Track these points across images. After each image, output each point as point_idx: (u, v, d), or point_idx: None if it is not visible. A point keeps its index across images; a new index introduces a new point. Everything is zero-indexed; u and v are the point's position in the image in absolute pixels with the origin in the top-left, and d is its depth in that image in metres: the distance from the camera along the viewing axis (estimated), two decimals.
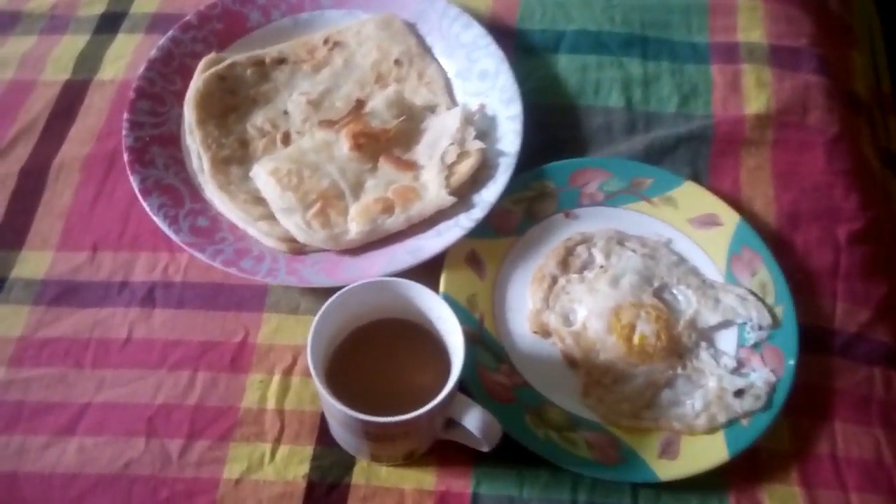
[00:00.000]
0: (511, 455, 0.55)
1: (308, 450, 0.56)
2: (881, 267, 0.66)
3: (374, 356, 0.55)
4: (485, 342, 0.59)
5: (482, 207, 0.63)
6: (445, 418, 0.52)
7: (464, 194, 0.64)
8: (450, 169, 0.63)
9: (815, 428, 0.57)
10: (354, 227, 0.60)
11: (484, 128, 0.68)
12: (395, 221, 0.61)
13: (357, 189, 0.62)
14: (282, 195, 0.61)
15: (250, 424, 0.57)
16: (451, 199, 0.62)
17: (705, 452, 0.54)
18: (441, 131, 0.66)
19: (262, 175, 0.62)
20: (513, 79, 0.69)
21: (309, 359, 0.49)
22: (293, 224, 0.60)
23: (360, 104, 0.67)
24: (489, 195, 0.63)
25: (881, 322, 0.62)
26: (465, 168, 0.64)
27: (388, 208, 0.61)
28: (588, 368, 0.59)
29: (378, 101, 0.67)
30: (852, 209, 0.68)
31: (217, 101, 0.68)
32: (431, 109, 0.69)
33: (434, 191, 0.62)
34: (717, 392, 0.57)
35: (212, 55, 0.70)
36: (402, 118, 0.66)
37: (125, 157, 0.64)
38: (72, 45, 0.77)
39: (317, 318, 0.50)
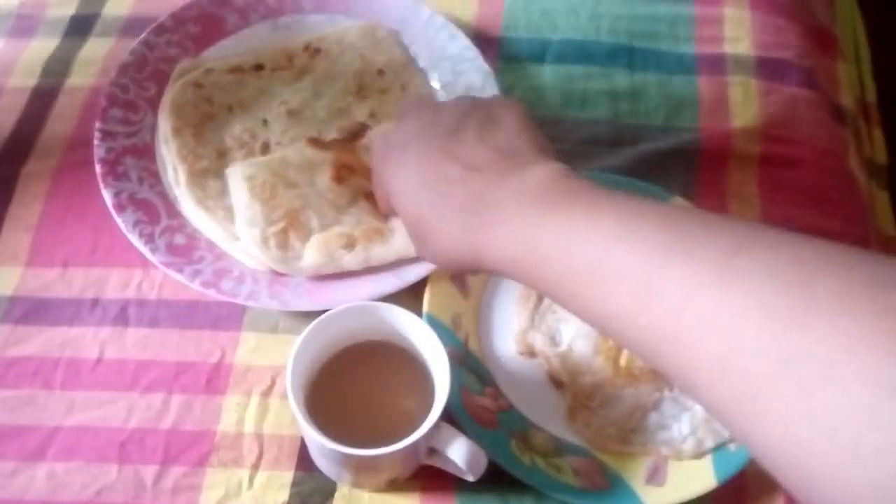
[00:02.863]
0: (495, 481, 0.54)
1: (288, 475, 0.54)
2: None
3: (357, 380, 0.54)
4: (469, 364, 0.58)
5: None
6: (429, 446, 0.51)
7: None
8: None
9: None
10: (309, 255, 0.58)
11: None
12: (352, 260, 0.59)
13: (326, 220, 0.60)
14: (249, 204, 0.59)
15: (227, 449, 0.55)
16: (413, 252, 0.59)
17: (693, 479, 0.54)
18: None
19: (237, 178, 0.60)
20: (499, 93, 0.67)
21: (289, 388, 0.47)
22: (250, 235, 0.58)
23: (360, 130, 0.65)
24: None
25: None
26: None
27: (350, 245, 0.59)
28: (574, 391, 0.58)
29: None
30: (839, 224, 0.67)
31: (193, 109, 0.66)
32: None
33: (401, 238, 0.59)
34: (705, 415, 0.56)
35: (187, 61, 0.68)
36: None
37: (97, 169, 0.61)
38: (41, 48, 0.74)
39: (296, 344, 0.49)
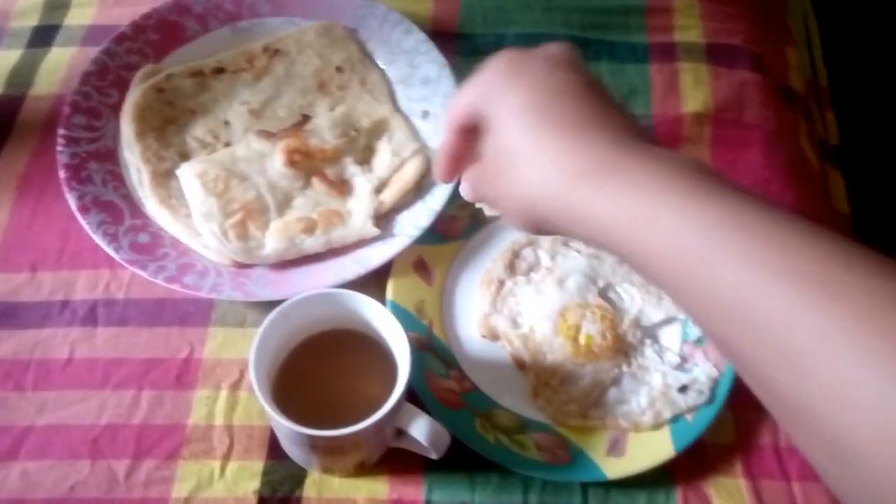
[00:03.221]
0: (462, 460, 0.55)
1: (258, 465, 0.56)
2: None
3: (323, 368, 0.55)
4: (434, 348, 0.60)
5: (427, 214, 0.63)
6: (395, 428, 0.52)
7: (408, 201, 0.64)
8: (386, 183, 0.63)
9: (758, 420, 0.58)
10: (271, 242, 0.60)
11: (428, 134, 0.68)
12: (313, 243, 0.60)
13: (284, 206, 0.62)
14: (204, 200, 0.60)
15: (198, 441, 0.56)
16: (374, 231, 0.61)
17: (651, 449, 0.55)
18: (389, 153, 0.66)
19: (188, 176, 0.61)
20: (455, 85, 0.69)
21: (252, 375, 0.49)
22: (209, 231, 0.59)
23: (303, 119, 0.67)
24: (434, 202, 0.64)
25: None
26: (408, 175, 0.64)
27: (309, 229, 0.60)
28: (537, 371, 0.59)
29: (323, 119, 0.67)
30: (790, 204, 0.69)
31: (155, 114, 0.67)
32: (384, 131, 0.67)
33: (360, 219, 0.61)
34: (662, 388, 0.58)
35: (148, 67, 0.69)
36: (343, 139, 0.65)
37: (61, 174, 0.62)
38: (4, 60, 0.75)
39: (259, 333, 0.50)
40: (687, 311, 0.37)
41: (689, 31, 0.78)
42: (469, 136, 0.46)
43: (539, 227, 0.41)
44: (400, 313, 0.60)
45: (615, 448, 0.56)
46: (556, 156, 0.39)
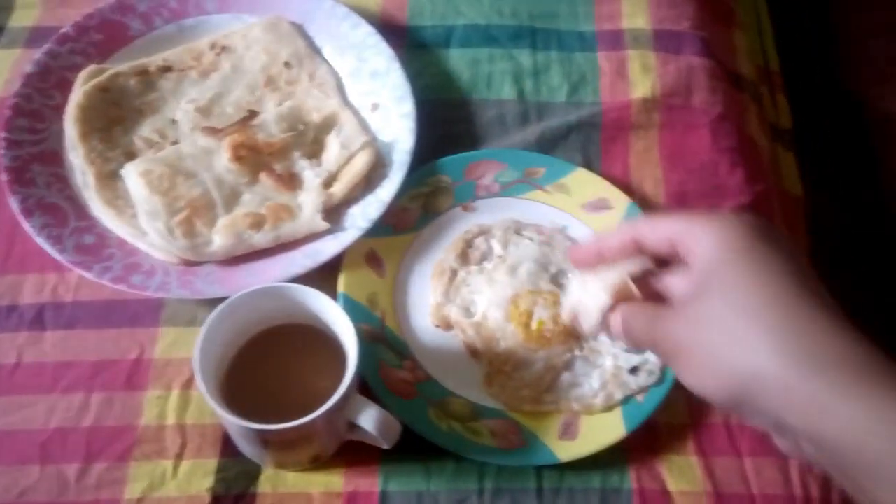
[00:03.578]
0: (418, 450, 0.55)
1: (212, 463, 0.55)
2: None
3: (273, 363, 0.55)
4: (387, 340, 0.60)
5: (378, 207, 0.63)
6: (347, 420, 0.52)
7: (358, 194, 0.64)
8: (335, 177, 0.63)
9: None
10: (218, 239, 0.59)
11: (377, 127, 0.68)
12: (262, 238, 0.60)
13: (231, 202, 0.61)
14: (148, 198, 0.59)
15: (150, 442, 0.56)
16: (323, 225, 0.61)
17: (603, 430, 0.56)
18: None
19: (132, 175, 0.61)
20: (404, 77, 0.69)
21: (197, 371, 0.48)
22: (154, 229, 0.58)
23: (250, 115, 0.66)
24: (384, 194, 0.64)
25: None
26: (357, 167, 0.64)
27: (258, 224, 0.60)
28: (490, 358, 0.59)
29: (270, 114, 0.66)
30: (738, 184, 0.70)
31: (100, 114, 0.66)
32: (333, 125, 0.67)
33: (309, 213, 0.61)
34: (613, 370, 0.58)
35: (92, 67, 0.68)
36: (290, 133, 0.65)
37: (3, 177, 0.61)
38: None
39: (203, 330, 0.49)
40: None
41: (637, 17, 0.79)
42: (632, 252, 0.44)
43: (739, 402, 0.38)
44: (352, 306, 0.60)
45: (568, 431, 0.56)
46: (792, 338, 0.36)
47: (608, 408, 0.57)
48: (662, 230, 0.43)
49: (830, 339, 0.36)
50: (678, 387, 0.58)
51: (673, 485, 0.56)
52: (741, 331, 0.37)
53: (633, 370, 0.58)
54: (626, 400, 0.57)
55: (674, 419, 0.58)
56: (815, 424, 0.35)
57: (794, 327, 0.37)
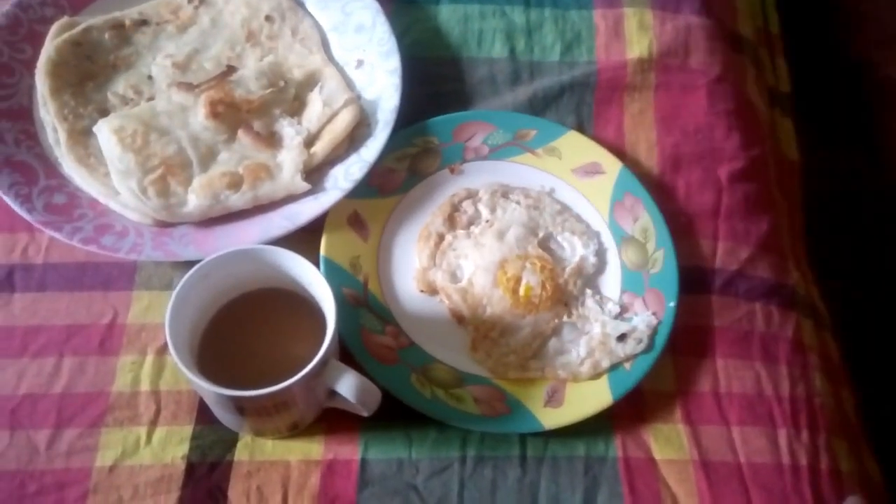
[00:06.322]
0: (399, 417, 0.54)
1: (187, 430, 0.54)
2: (763, 204, 0.67)
3: (250, 328, 0.53)
4: (369, 305, 0.58)
5: (361, 167, 0.61)
6: (326, 387, 0.50)
7: (341, 154, 0.62)
8: (317, 136, 0.61)
9: (698, 366, 0.58)
10: (193, 199, 0.57)
11: (362, 84, 0.65)
12: (239, 199, 0.58)
13: (207, 161, 0.59)
14: (121, 156, 0.57)
15: (123, 408, 0.54)
16: (304, 186, 0.58)
17: (589, 398, 0.55)
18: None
19: (105, 132, 0.58)
20: (390, 31, 0.66)
21: (168, 336, 0.47)
22: (127, 188, 0.56)
23: (228, 70, 0.63)
24: (368, 154, 0.61)
25: (762, 258, 0.63)
26: (340, 126, 0.61)
27: (235, 184, 0.57)
28: (476, 324, 0.58)
29: (249, 70, 0.64)
30: (734, 148, 0.68)
31: (72, 69, 0.63)
32: (316, 82, 0.64)
33: (288, 173, 0.59)
34: (601, 338, 0.57)
35: (64, 19, 0.65)
36: (270, 90, 0.62)
37: None
38: None
39: (174, 294, 0.48)
40: None
41: None
42: None
43: None
44: (334, 269, 0.58)
45: (553, 398, 0.55)
46: None
47: (595, 375, 0.56)
48: None
49: None
50: (666, 355, 0.57)
51: (658, 452, 0.54)
52: None
53: (622, 337, 0.56)
54: (614, 367, 0.56)
55: (661, 387, 0.57)
56: None
57: None
